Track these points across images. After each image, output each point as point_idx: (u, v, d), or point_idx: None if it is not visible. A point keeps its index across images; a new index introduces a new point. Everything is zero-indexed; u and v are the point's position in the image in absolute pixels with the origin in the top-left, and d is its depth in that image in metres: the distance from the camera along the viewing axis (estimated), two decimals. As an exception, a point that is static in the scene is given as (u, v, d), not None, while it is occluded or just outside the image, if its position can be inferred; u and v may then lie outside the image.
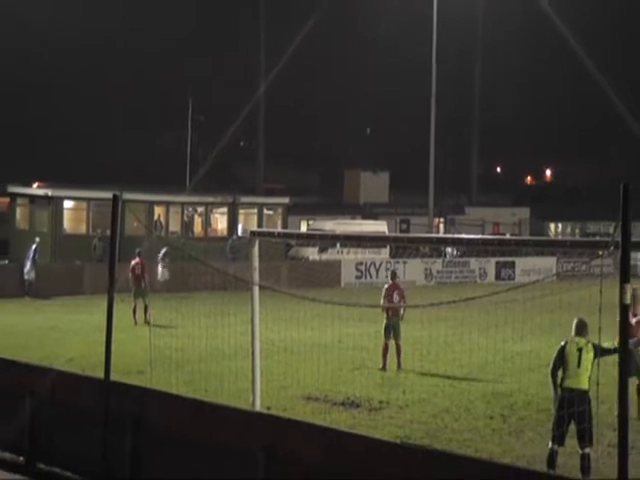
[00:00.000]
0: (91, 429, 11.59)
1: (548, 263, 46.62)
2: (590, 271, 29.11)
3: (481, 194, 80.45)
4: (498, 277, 46.96)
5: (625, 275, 8.46)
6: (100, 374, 11.79)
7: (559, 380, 12.78)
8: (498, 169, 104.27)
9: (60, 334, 26.01)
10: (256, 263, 13.88)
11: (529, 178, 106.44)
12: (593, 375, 12.52)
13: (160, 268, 35.84)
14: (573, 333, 13.10)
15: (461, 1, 64.19)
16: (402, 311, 21.55)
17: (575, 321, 13.25)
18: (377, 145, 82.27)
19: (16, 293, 34.72)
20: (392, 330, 21.27)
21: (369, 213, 61.69)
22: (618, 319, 8.63)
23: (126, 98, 72.33)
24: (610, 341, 11.82)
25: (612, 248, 9.35)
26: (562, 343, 13.07)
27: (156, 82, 72.87)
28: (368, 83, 78.55)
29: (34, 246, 35.96)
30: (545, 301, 23.44)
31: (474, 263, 47.26)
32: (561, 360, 12.85)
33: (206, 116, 65.52)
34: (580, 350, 12.63)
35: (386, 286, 22.31)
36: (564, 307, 20.91)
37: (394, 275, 23.19)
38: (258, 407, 13.93)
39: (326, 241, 38.18)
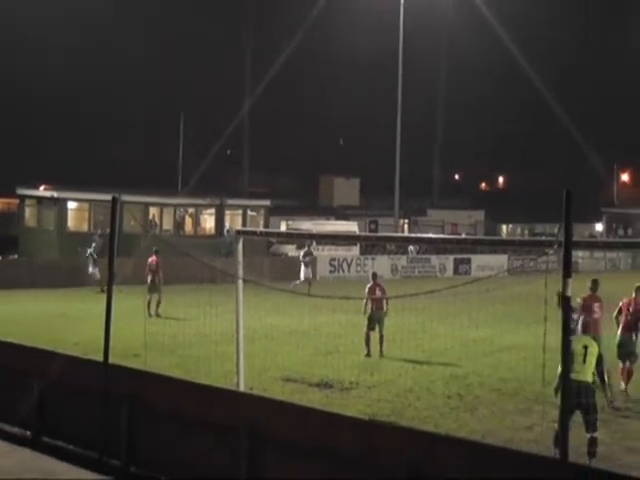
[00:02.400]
0: (91, 407, 11.56)
1: (500, 260, 46.88)
2: (537, 267, 29.25)
3: (442, 198, 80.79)
4: (456, 272, 47.13)
5: (567, 270, 8.51)
6: (101, 357, 11.76)
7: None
8: (457, 176, 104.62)
9: (67, 321, 25.89)
10: (240, 258, 13.88)
11: (484, 184, 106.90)
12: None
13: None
14: (579, 332, 13.16)
15: (427, 19, 64.21)
16: (385, 307, 21.58)
17: (581, 321, 13.40)
18: (349, 154, 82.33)
19: (26, 284, 34.40)
20: (376, 322, 21.31)
21: (342, 214, 61.78)
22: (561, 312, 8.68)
23: (126, 109, 72.01)
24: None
25: (556, 247, 9.39)
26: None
27: (151, 95, 72.60)
28: (341, 98, 78.54)
29: (91, 249, 35.21)
30: (498, 294, 23.52)
31: (435, 259, 47.44)
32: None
33: (197, 126, 65.39)
34: (586, 347, 12.61)
35: (368, 285, 22.33)
36: (514, 299, 21.09)
37: (375, 276, 23.22)
38: (242, 387, 13.93)
39: (303, 239, 38.11)
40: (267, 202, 50.08)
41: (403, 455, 8.49)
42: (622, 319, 16.86)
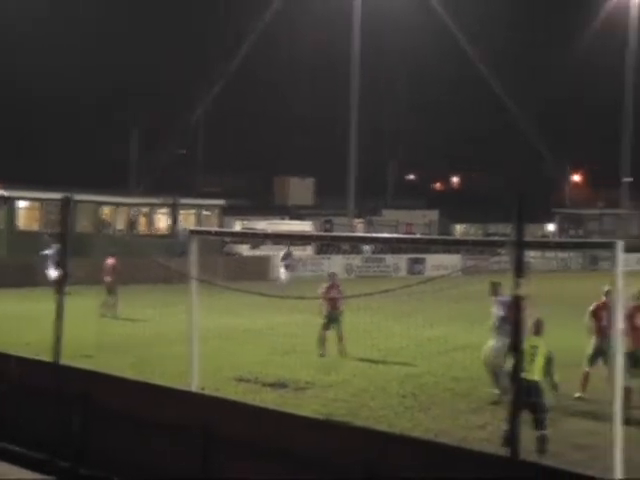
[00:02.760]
0: (43, 408, 11.44)
1: (454, 260, 47.16)
2: (490, 267, 29.49)
3: (396, 198, 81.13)
4: (410, 272, 47.35)
5: (519, 270, 8.59)
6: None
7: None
8: (412, 176, 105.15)
9: (19, 321, 25.53)
10: (194, 258, 13.82)
11: (438, 184, 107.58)
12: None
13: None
14: (530, 333, 13.21)
15: (386, 21, 64.42)
16: (341, 306, 21.57)
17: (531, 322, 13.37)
18: (304, 153, 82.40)
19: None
20: (332, 322, 21.26)
21: (296, 214, 61.79)
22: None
23: (78, 107, 71.37)
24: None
25: (508, 247, 9.45)
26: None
27: (108, 96, 72.07)
28: (297, 98, 78.61)
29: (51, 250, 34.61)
30: (452, 293, 23.67)
31: (389, 259, 47.63)
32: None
33: (153, 127, 65.03)
34: (534, 347, 12.75)
35: (325, 285, 22.30)
36: (468, 298, 21.21)
37: (332, 275, 23.23)
38: (195, 387, 13.87)
39: (258, 239, 38.07)
40: (221, 202, 49.92)
41: (358, 455, 8.51)
42: (595, 324, 16.41)
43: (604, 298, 16.28)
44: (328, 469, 8.72)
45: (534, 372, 12.47)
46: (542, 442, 12.30)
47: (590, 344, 16.56)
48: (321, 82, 75.54)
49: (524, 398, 11.66)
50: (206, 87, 67.06)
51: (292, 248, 37.80)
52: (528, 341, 12.67)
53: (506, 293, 16.63)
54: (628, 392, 14.17)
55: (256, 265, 42.65)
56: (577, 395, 16.26)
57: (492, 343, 15.99)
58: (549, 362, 12.91)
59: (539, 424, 12.35)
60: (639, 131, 67.46)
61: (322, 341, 21.14)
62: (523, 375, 11.79)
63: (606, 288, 16.36)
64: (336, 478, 8.64)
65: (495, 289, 16.90)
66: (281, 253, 36.73)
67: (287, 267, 35.55)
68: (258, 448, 9.19)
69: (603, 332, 15.71)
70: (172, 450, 10.08)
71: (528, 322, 16.15)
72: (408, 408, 15.55)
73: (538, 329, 13.36)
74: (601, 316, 16.20)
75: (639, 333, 15.20)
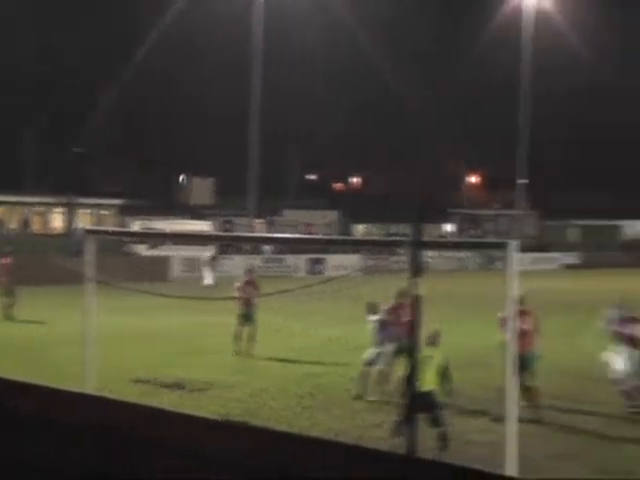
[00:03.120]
0: None
1: (354, 260, 47.53)
2: (389, 267, 29.85)
3: (297, 198, 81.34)
4: (310, 272, 47.55)
5: (416, 270, 8.68)
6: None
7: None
8: (313, 176, 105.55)
9: None
10: (90, 258, 13.59)
11: (339, 185, 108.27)
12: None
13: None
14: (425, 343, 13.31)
15: (287, 20, 64.51)
16: (256, 303, 21.45)
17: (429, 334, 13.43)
18: (206, 153, 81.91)
19: None
20: (247, 320, 21.25)
21: (197, 214, 61.40)
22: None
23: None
24: None
25: (407, 247, 9.54)
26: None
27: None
28: (197, 97, 78.11)
29: None
30: (351, 293, 23.87)
31: (290, 259, 47.73)
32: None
33: (51, 125, 63.75)
34: (428, 357, 12.89)
35: (241, 280, 22.15)
36: (368, 298, 21.39)
37: (249, 272, 23.13)
38: (90, 389, 13.64)
39: (156, 238, 37.66)
40: (119, 201, 49.30)
41: (262, 456, 8.48)
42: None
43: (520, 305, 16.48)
44: (232, 469, 8.68)
45: (427, 382, 12.68)
46: (442, 439, 12.51)
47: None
48: (222, 82, 75.20)
49: (419, 402, 11.94)
50: (107, 86, 66.16)
51: (217, 251, 37.51)
52: (423, 352, 12.95)
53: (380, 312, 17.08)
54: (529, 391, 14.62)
55: (155, 265, 42.22)
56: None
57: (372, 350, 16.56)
58: (444, 372, 13.04)
59: (435, 422, 12.55)
60: (535, 134, 69.17)
61: (237, 338, 21.07)
62: (417, 384, 12.11)
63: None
64: (243, 478, 8.60)
65: (371, 308, 17.34)
66: (207, 254, 36.43)
67: (212, 269, 35.28)
68: (153, 448, 9.08)
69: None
70: (67, 453, 9.89)
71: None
72: (307, 408, 15.59)
73: (434, 340, 13.45)
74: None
75: (525, 337, 15.44)
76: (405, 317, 15.56)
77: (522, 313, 15.95)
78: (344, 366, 19.43)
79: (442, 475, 7.94)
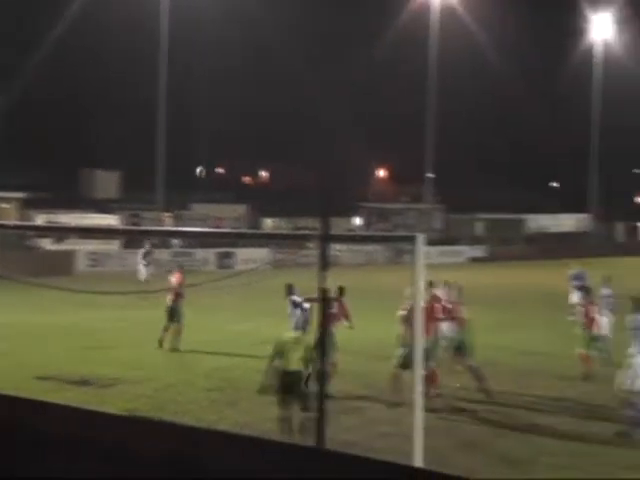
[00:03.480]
0: None
1: (263, 253, 47.51)
2: (298, 261, 29.94)
3: (206, 192, 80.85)
4: (220, 266, 47.32)
5: (324, 264, 8.73)
6: None
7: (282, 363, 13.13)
8: (221, 170, 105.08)
9: None
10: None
11: (248, 178, 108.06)
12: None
13: None
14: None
15: (192, 16, 64.05)
16: (184, 297, 21.26)
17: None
18: (112, 145, 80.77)
19: None
20: (174, 313, 21.18)
21: (103, 208, 60.52)
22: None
23: None
24: None
25: (317, 240, 9.58)
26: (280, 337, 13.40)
27: None
28: (102, 89, 76.95)
29: None
30: (260, 286, 23.88)
31: (199, 253, 47.45)
32: (280, 348, 13.20)
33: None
34: (296, 340, 13.09)
35: (173, 274, 21.93)
36: (277, 292, 21.43)
37: (180, 266, 22.94)
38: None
39: (61, 232, 37.00)
40: (21, 194, 48.27)
41: (163, 449, 8.44)
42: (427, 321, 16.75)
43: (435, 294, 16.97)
44: (134, 464, 8.61)
45: (296, 362, 12.95)
46: (309, 423, 12.64)
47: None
48: (128, 74, 74.20)
49: (289, 387, 12.26)
50: (7, 76, 64.68)
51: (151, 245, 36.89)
52: (292, 334, 13.56)
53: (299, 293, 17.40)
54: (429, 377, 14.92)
55: (59, 259, 41.50)
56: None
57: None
58: (310, 353, 13.15)
59: (305, 408, 12.81)
60: (442, 129, 70.11)
61: (164, 333, 21.00)
62: (287, 367, 12.44)
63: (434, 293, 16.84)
64: (143, 473, 8.55)
65: (289, 289, 17.59)
66: (141, 251, 35.81)
67: (147, 264, 34.70)
68: (59, 445, 8.96)
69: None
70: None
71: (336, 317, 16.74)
72: (214, 402, 15.57)
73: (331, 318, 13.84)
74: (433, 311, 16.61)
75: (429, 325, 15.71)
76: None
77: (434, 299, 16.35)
78: (254, 360, 19.44)
79: (350, 467, 8.03)
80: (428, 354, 15.07)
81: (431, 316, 15.82)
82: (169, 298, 21.32)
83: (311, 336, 13.55)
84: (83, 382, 16.72)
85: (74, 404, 12.25)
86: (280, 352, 13.19)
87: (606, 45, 79.10)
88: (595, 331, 18.49)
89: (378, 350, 19.69)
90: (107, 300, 23.92)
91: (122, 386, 16.60)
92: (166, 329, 21.03)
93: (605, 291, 21.67)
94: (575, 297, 25.26)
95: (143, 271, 34.50)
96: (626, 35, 79.94)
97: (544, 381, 17.99)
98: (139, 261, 35.18)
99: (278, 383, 13.18)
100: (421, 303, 9.87)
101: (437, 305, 16.68)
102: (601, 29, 78.74)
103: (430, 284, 16.34)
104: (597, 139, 79.54)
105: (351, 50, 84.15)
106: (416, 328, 9.82)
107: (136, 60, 68.88)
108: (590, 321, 18.51)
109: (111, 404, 14.64)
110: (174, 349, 20.65)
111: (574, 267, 28.30)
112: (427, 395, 14.90)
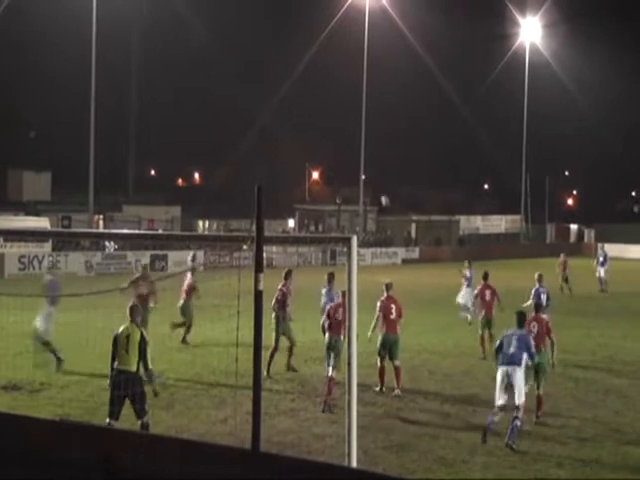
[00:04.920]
0: None
1: (196, 256, 47.15)
2: (232, 262, 29.83)
3: (137, 193, 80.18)
4: (152, 268, 46.82)
5: (259, 265, 8.73)
6: None
7: (115, 362, 12.86)
8: (152, 171, 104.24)
9: None
10: None
11: (180, 180, 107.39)
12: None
13: None
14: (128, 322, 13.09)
15: (120, 18, 63.53)
16: (154, 301, 20.87)
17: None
18: (40, 147, 79.56)
19: None
20: (185, 311, 22.29)
21: (32, 210, 59.62)
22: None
23: None
24: None
25: (250, 242, 9.57)
26: (116, 331, 13.01)
27: None
28: (33, 91, 75.71)
29: None
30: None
31: (131, 256, 46.99)
32: (115, 346, 12.92)
33: None
34: (128, 337, 12.79)
35: (137, 275, 21.60)
36: (210, 294, 21.34)
37: (145, 267, 22.61)
38: None
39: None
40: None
41: (96, 454, 8.35)
42: (383, 320, 17.07)
43: (385, 294, 17.23)
44: (66, 469, 8.51)
45: (130, 363, 12.69)
46: (146, 429, 12.53)
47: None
48: (58, 75, 73.13)
49: (122, 390, 12.10)
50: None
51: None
52: (124, 331, 12.89)
53: None
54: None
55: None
56: (376, 389, 16.88)
57: None
58: (144, 351, 12.83)
59: (140, 413, 12.67)
60: (376, 130, 70.50)
61: (178, 329, 21.95)
62: (119, 366, 12.22)
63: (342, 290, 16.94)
64: (76, 477, 8.45)
65: None
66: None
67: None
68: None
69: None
70: None
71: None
72: (149, 405, 15.43)
73: (132, 315, 13.14)
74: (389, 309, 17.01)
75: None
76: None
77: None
78: (186, 363, 19.35)
79: (286, 469, 8.04)
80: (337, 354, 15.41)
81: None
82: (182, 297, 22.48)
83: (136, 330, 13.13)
84: (12, 387, 16.45)
85: (3, 409, 12.07)
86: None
87: (534, 49, 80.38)
88: (490, 315, 21.10)
89: (314, 352, 19.76)
90: (38, 303, 23.51)
91: (52, 391, 16.38)
92: (179, 325, 22.26)
93: (541, 289, 22.44)
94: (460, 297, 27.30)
95: None
96: (553, 39, 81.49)
97: (478, 381, 18.20)
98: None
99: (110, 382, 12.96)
100: (354, 304, 9.90)
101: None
102: (529, 33, 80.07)
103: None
104: (528, 141, 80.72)
105: (288, 50, 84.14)
106: (350, 331, 9.86)
107: (66, 60, 68.01)
108: (486, 305, 21.28)
109: (43, 409, 14.44)
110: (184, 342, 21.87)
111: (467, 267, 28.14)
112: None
